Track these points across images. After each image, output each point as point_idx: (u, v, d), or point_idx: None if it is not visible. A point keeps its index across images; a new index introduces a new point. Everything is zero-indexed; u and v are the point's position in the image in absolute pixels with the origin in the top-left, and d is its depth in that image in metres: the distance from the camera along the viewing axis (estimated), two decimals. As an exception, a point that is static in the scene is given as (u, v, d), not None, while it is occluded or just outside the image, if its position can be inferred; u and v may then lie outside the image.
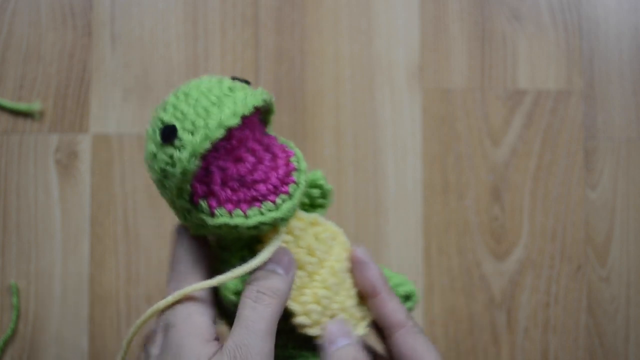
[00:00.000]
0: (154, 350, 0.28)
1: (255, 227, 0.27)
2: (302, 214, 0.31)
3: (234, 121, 0.25)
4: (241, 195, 0.27)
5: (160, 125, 0.26)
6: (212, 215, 0.27)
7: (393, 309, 0.31)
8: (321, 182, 0.31)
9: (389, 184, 0.50)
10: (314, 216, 0.31)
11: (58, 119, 0.50)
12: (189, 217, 0.28)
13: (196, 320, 0.27)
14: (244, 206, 0.27)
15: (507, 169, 0.51)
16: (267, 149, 0.28)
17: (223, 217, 0.27)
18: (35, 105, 0.49)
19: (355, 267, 0.31)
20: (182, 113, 0.26)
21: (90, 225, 0.49)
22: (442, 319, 0.49)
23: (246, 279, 0.28)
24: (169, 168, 0.26)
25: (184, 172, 0.25)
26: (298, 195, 0.28)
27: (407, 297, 0.32)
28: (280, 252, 0.29)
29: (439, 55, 0.51)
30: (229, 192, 0.27)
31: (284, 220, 0.28)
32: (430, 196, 0.50)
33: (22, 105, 0.49)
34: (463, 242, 0.50)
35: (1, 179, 0.49)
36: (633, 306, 0.50)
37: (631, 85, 0.51)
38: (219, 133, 0.25)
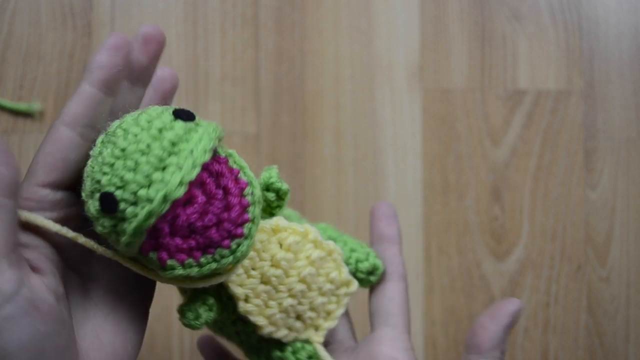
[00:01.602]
0: None
1: (210, 275, 0.26)
2: (262, 223, 0.29)
3: (181, 192, 0.23)
4: (193, 242, 0.25)
5: (99, 189, 0.24)
6: (164, 267, 0.25)
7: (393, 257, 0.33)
8: (277, 184, 0.29)
9: (389, 184, 0.50)
10: (275, 221, 0.29)
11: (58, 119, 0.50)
12: (142, 263, 0.26)
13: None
14: (197, 254, 0.25)
15: (507, 169, 0.51)
16: (217, 180, 0.25)
17: (176, 269, 0.25)
18: (35, 105, 0.49)
19: (377, 218, 0.33)
20: (122, 179, 0.23)
21: (90, 225, 0.49)
22: (442, 319, 0.49)
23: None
24: (112, 235, 0.24)
25: (128, 244, 0.23)
26: (254, 233, 0.26)
27: (370, 272, 0.32)
28: None
29: (439, 55, 0.51)
30: (179, 241, 0.24)
31: (240, 261, 0.26)
32: (430, 196, 0.50)
33: (22, 105, 0.49)
34: (463, 242, 0.50)
35: (1, 179, 0.49)
36: (633, 306, 0.50)
37: (631, 85, 0.51)
38: (165, 207, 0.23)
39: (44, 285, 0.25)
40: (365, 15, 0.51)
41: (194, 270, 0.25)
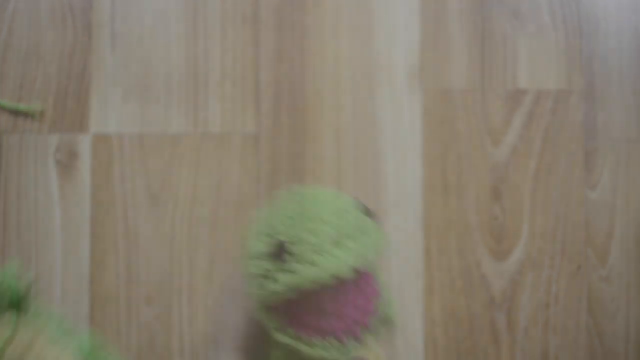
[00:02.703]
0: None
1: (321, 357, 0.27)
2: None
3: (349, 274, 0.25)
4: (321, 325, 0.26)
5: (272, 235, 0.25)
6: (294, 339, 0.26)
7: None
8: (13, 285, 0.28)
9: (389, 184, 0.50)
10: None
11: (58, 119, 0.50)
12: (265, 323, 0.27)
13: None
14: (318, 334, 0.26)
15: (507, 169, 0.51)
16: (357, 282, 0.27)
17: (289, 338, 0.26)
18: (36, 106, 0.49)
19: None
20: (300, 238, 0.25)
21: (90, 225, 0.49)
22: (442, 319, 0.49)
23: None
24: (265, 279, 0.25)
25: (275, 292, 0.25)
26: (367, 341, 0.27)
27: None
28: None
29: (439, 55, 0.51)
30: (310, 317, 0.26)
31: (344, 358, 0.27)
32: (430, 196, 0.50)
33: (22, 106, 0.49)
34: (463, 242, 0.50)
35: (1, 179, 0.49)
36: (633, 306, 0.50)
37: (631, 85, 0.51)
38: (329, 281, 0.24)
39: None
40: (365, 16, 0.51)
41: (303, 348, 0.26)
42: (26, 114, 0.50)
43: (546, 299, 0.50)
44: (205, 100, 0.50)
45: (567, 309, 0.50)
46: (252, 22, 0.51)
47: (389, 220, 0.50)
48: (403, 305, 0.49)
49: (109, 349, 0.31)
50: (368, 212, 0.27)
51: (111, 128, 0.50)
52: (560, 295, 0.50)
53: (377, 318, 0.27)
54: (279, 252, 0.25)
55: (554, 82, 0.51)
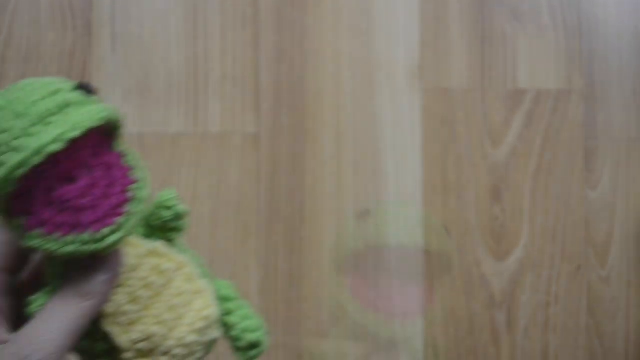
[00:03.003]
0: None
1: (72, 254, 0.25)
2: (142, 242, 0.29)
3: (57, 146, 0.23)
4: (65, 218, 0.25)
5: None
6: (25, 232, 0.25)
7: None
8: (171, 203, 0.29)
9: (389, 184, 0.50)
10: (155, 246, 0.29)
11: (58, 119, 0.50)
12: (9, 227, 0.26)
13: None
14: (65, 230, 0.25)
15: (507, 169, 0.51)
16: (107, 170, 0.26)
17: (37, 239, 0.25)
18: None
19: None
20: (1, 127, 0.24)
21: (90, 225, 0.49)
22: (442, 319, 0.49)
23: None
24: None
25: None
26: (128, 227, 0.26)
27: (252, 346, 0.30)
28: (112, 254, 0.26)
29: (439, 55, 0.51)
30: (51, 213, 0.25)
31: (105, 249, 0.26)
32: (430, 196, 0.50)
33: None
34: (463, 242, 0.50)
35: (1, 179, 0.49)
36: (633, 306, 0.50)
37: (631, 85, 0.51)
38: (37, 159, 0.23)
39: None
40: (365, 15, 0.51)
41: (55, 246, 0.25)
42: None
43: (546, 299, 0.50)
44: (205, 100, 0.50)
45: (567, 309, 0.50)
46: (252, 22, 0.51)
47: (389, 220, 0.50)
48: (403, 306, 0.49)
49: (242, 300, 0.31)
50: (90, 90, 0.26)
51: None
52: (560, 295, 0.50)
53: (133, 201, 0.26)
54: None
55: (554, 82, 0.51)
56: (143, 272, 0.28)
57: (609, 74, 0.52)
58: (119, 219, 0.25)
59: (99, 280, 0.26)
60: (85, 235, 0.25)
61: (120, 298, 0.28)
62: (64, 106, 0.25)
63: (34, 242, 0.25)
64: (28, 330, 0.25)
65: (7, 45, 0.50)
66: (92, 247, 0.25)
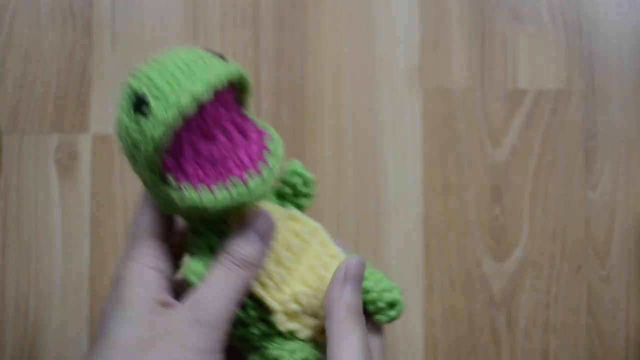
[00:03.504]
0: (105, 304, 0.28)
1: (225, 208, 0.26)
2: (279, 207, 0.30)
3: (206, 94, 0.25)
4: (210, 173, 0.26)
5: (131, 94, 0.26)
6: (180, 190, 0.26)
7: (338, 295, 0.28)
8: (301, 170, 0.31)
9: (389, 184, 0.50)
10: (292, 211, 0.30)
11: (58, 119, 0.50)
12: (158, 192, 0.27)
13: (147, 274, 0.27)
14: (210, 182, 0.26)
15: (507, 169, 0.51)
16: (241, 129, 0.28)
17: (192, 195, 0.26)
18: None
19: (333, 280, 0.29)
20: (153, 82, 0.25)
21: (90, 225, 0.49)
22: (442, 319, 0.49)
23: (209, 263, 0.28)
24: (139, 138, 0.25)
25: (154, 143, 0.25)
26: (269, 177, 0.27)
27: (391, 305, 0.31)
28: (258, 217, 0.28)
29: (439, 55, 0.51)
30: (198, 169, 0.26)
31: (252, 200, 0.27)
32: (430, 196, 0.50)
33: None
34: (463, 242, 0.50)
35: (1, 179, 0.49)
36: (633, 306, 0.50)
37: (631, 85, 0.51)
38: (190, 105, 0.25)
39: None
40: (365, 15, 0.51)
41: (208, 199, 0.26)
42: (25, 114, 0.49)
43: (546, 299, 0.50)
44: (205, 100, 0.50)
45: (567, 309, 0.50)
46: (252, 22, 0.51)
47: (389, 220, 0.50)
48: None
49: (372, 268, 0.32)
50: (222, 57, 0.27)
51: (111, 128, 0.50)
52: (560, 295, 0.50)
53: (272, 156, 0.28)
54: (138, 104, 0.25)
55: (554, 82, 0.51)
56: (284, 235, 0.29)
57: (609, 74, 0.51)
58: (263, 171, 0.27)
59: (257, 250, 0.28)
60: (236, 188, 0.26)
61: (267, 261, 0.29)
62: (205, 62, 0.26)
63: (189, 200, 0.26)
64: (197, 296, 0.26)
65: (7, 45, 0.50)
66: (244, 199, 0.26)
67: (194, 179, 0.26)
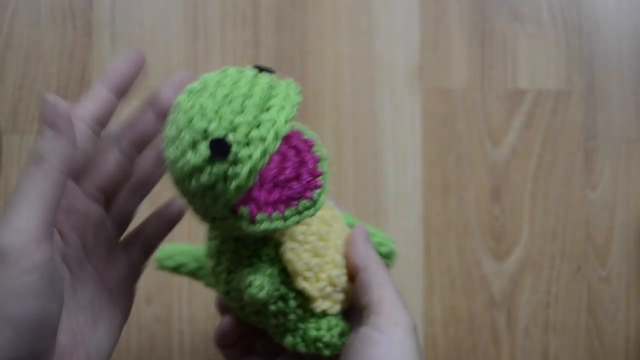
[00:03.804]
0: None
1: (293, 224, 0.26)
2: None
3: (287, 129, 0.24)
4: (276, 196, 0.26)
5: (205, 137, 0.23)
6: (253, 221, 0.25)
7: (366, 249, 0.31)
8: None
9: (389, 184, 0.50)
10: None
11: (58, 119, 0.50)
12: (223, 224, 0.26)
13: None
14: (282, 207, 0.26)
15: (507, 169, 0.51)
16: (287, 142, 0.28)
17: (264, 222, 0.25)
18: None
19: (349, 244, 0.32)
20: (232, 123, 0.23)
21: (90, 225, 0.49)
22: (442, 319, 0.49)
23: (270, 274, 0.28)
24: (215, 179, 0.23)
25: (239, 185, 0.23)
26: (328, 185, 0.27)
27: (386, 256, 0.34)
28: (51, 110, 0.25)
29: (439, 55, 0.51)
30: (266, 194, 0.25)
31: (317, 210, 0.27)
32: (430, 196, 0.50)
33: None
34: (463, 242, 0.50)
35: (1, 179, 0.49)
36: (633, 306, 0.50)
37: (631, 85, 0.51)
38: (276, 146, 0.23)
39: (63, 262, 0.26)
40: (365, 15, 0.51)
41: (279, 223, 0.26)
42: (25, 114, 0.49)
43: (546, 299, 0.50)
44: (205, 100, 0.50)
45: (567, 309, 0.50)
46: (252, 22, 0.51)
47: (389, 220, 0.50)
48: (403, 305, 0.49)
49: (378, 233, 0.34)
50: (269, 70, 0.26)
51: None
52: (560, 295, 0.50)
53: (322, 161, 0.28)
54: (221, 149, 0.23)
55: (554, 82, 0.51)
56: (317, 226, 0.30)
57: (609, 74, 0.51)
58: (320, 179, 0.27)
59: (52, 143, 0.24)
60: (305, 207, 0.26)
61: (306, 256, 0.29)
62: (271, 87, 0.25)
63: (261, 228, 0.25)
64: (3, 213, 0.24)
65: (7, 45, 0.50)
66: (311, 214, 0.26)
67: (267, 209, 0.25)
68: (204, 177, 0.24)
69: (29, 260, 0.22)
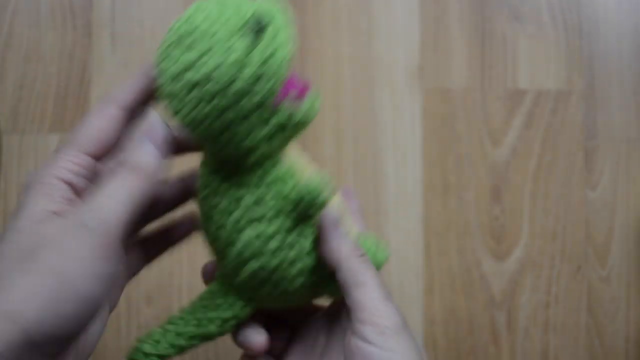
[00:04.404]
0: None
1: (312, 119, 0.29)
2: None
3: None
4: (298, 86, 0.28)
5: (245, 20, 0.26)
6: (293, 107, 0.27)
7: (338, 244, 0.29)
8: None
9: (389, 184, 0.50)
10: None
11: (58, 119, 0.50)
12: (262, 123, 0.27)
13: (52, 185, 0.26)
14: (303, 94, 0.28)
15: (507, 169, 0.51)
16: None
17: (309, 104, 0.28)
18: None
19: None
20: (260, 9, 0.26)
21: (90, 225, 0.49)
22: (442, 319, 0.49)
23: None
24: (270, 60, 0.25)
25: (285, 59, 0.26)
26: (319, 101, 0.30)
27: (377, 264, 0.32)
28: (153, 125, 0.27)
29: (439, 55, 0.51)
30: (292, 86, 0.28)
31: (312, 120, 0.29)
32: (430, 196, 0.50)
33: None
34: (463, 242, 0.50)
35: (1, 179, 0.49)
36: (633, 306, 0.50)
37: (631, 85, 0.51)
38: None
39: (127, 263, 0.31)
40: (365, 16, 0.51)
41: (311, 111, 0.29)
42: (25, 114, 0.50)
43: (546, 299, 0.50)
44: (205, 100, 0.50)
45: (567, 309, 0.50)
46: (252, 22, 0.51)
47: (389, 220, 0.50)
48: (403, 305, 0.49)
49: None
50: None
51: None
52: (560, 295, 0.50)
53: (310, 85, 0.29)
54: (260, 26, 0.25)
55: (554, 82, 0.51)
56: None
57: (609, 74, 0.51)
58: (313, 94, 0.29)
59: (152, 158, 0.27)
60: (313, 101, 0.29)
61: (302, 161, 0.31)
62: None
63: (313, 110, 0.29)
64: (89, 202, 0.25)
65: (7, 45, 0.50)
66: (317, 104, 0.29)
67: (301, 93, 0.28)
68: (249, 69, 0.25)
69: (110, 249, 0.24)
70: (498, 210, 0.50)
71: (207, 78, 0.25)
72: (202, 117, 0.26)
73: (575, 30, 0.52)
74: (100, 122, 0.28)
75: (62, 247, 0.24)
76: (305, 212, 0.29)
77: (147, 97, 0.29)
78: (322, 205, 0.29)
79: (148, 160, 0.27)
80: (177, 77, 0.25)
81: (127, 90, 0.29)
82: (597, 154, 0.51)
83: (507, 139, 0.51)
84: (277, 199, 0.28)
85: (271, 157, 0.29)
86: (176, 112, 0.26)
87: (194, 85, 0.25)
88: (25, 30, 0.50)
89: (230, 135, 0.26)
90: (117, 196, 0.25)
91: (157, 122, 0.27)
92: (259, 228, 0.28)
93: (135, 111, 0.29)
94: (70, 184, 0.26)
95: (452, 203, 0.50)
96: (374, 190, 0.50)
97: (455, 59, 0.51)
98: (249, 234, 0.28)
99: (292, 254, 0.29)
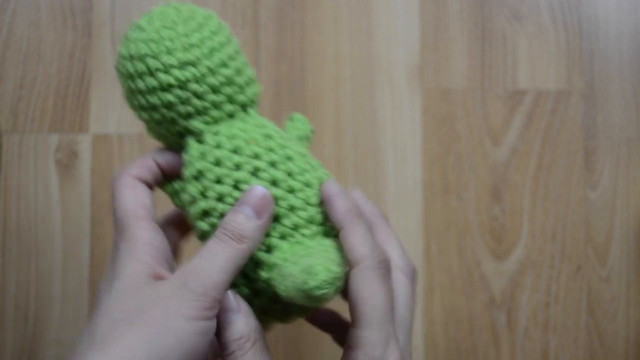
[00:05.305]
0: (106, 272, 0.28)
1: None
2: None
3: None
4: None
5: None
6: None
7: (355, 243, 0.29)
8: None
9: (389, 184, 0.50)
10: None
11: (58, 119, 0.50)
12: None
13: (142, 249, 0.28)
14: None
15: (507, 169, 0.51)
16: None
17: None
18: None
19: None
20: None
21: (91, 225, 0.49)
22: (442, 319, 0.49)
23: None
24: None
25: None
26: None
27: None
28: (253, 192, 0.29)
29: (439, 55, 0.51)
30: None
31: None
32: (430, 196, 0.50)
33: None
34: (463, 242, 0.50)
35: (1, 179, 0.49)
36: (633, 306, 0.50)
37: (631, 85, 0.51)
38: None
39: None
40: (365, 15, 0.51)
41: None
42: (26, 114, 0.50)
43: (546, 299, 0.50)
44: (205, 100, 0.50)
45: (567, 309, 0.50)
46: (252, 22, 0.51)
47: (389, 220, 0.50)
48: (403, 305, 0.49)
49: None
50: None
51: (111, 128, 0.50)
52: (560, 295, 0.50)
53: None
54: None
55: (554, 82, 0.51)
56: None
57: (609, 74, 0.51)
58: None
59: (252, 224, 0.28)
60: None
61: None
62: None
63: None
64: (188, 265, 0.27)
65: (7, 45, 0.50)
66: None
67: None
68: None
69: (211, 309, 0.26)
70: (498, 210, 0.50)
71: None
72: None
73: (575, 30, 0.52)
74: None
75: (168, 306, 0.25)
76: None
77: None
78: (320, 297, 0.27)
79: (246, 226, 0.28)
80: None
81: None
82: (597, 154, 0.51)
83: (507, 139, 0.51)
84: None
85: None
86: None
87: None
88: (25, 31, 0.50)
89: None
90: (215, 260, 0.27)
91: (255, 187, 0.29)
92: None
93: None
94: (153, 245, 0.28)
95: (452, 203, 0.50)
96: (374, 190, 0.50)
97: (455, 58, 0.51)
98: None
99: None
